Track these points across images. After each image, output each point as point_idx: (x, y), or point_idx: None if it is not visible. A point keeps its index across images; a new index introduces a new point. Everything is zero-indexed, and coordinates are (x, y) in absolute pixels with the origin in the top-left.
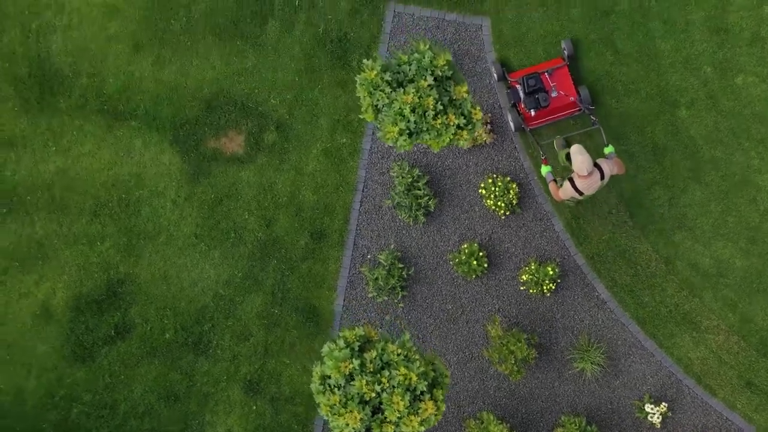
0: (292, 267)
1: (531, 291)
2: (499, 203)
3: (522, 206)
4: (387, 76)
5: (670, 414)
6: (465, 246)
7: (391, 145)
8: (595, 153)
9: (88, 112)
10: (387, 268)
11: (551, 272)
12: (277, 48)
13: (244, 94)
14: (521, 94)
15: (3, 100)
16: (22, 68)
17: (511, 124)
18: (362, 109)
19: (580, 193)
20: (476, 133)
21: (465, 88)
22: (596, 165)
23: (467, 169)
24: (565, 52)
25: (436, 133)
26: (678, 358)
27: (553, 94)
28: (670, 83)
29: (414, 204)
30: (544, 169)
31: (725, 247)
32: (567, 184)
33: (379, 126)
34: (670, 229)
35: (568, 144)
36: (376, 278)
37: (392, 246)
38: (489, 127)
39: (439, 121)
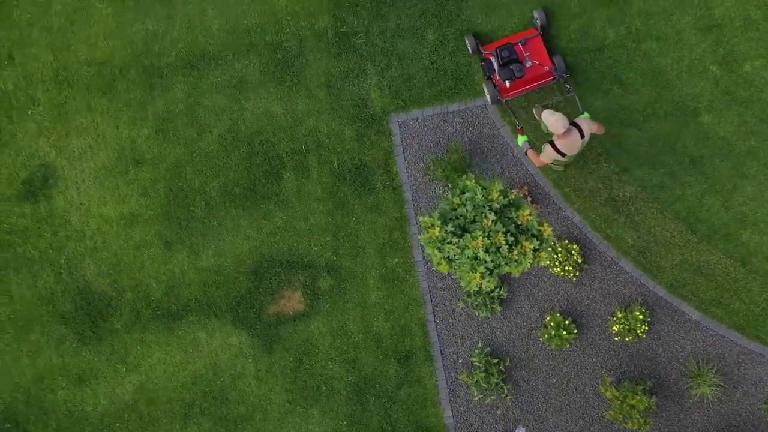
0: (391, 398)
1: (627, 339)
2: (566, 268)
3: (587, 261)
4: (450, 227)
5: None
6: (548, 319)
7: (476, 289)
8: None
9: (144, 323)
10: (483, 368)
11: (640, 315)
12: (300, 197)
13: (286, 252)
14: (495, 66)
15: (59, 341)
16: (66, 305)
17: (488, 96)
18: (434, 263)
19: (563, 155)
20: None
21: (527, 212)
22: (575, 124)
23: None
24: (538, 22)
25: (515, 264)
26: None
27: (528, 64)
28: (683, 94)
29: (486, 298)
30: (521, 139)
31: None
32: (548, 147)
33: (457, 273)
34: (734, 231)
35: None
36: (477, 381)
37: (479, 344)
38: (530, 199)
39: (515, 252)
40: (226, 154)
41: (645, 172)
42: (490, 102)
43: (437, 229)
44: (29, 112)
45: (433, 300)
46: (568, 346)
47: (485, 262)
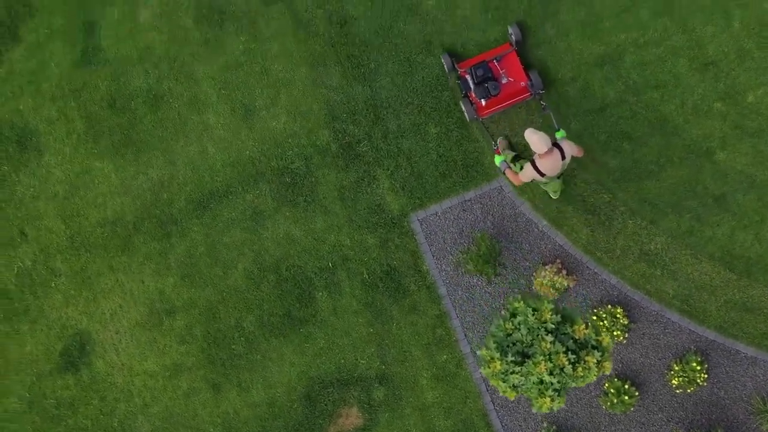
0: None
1: (689, 390)
2: (615, 333)
3: (633, 319)
4: (510, 357)
5: None
6: (607, 385)
7: (548, 412)
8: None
9: None
10: None
11: (697, 366)
12: (337, 314)
13: (334, 371)
14: (471, 84)
15: None
16: None
17: (466, 115)
18: (500, 391)
19: (542, 175)
20: (558, 284)
21: (583, 326)
22: (556, 145)
23: None
24: (513, 37)
25: (581, 379)
26: None
27: (503, 81)
28: (694, 136)
29: None
30: (498, 159)
31: None
32: (528, 166)
33: (527, 396)
34: None
35: (510, 144)
36: None
37: (544, 424)
38: (565, 272)
39: (579, 369)
40: (256, 286)
41: (672, 221)
42: (468, 120)
43: (498, 362)
44: (53, 284)
45: (489, 389)
46: (632, 409)
47: (552, 384)
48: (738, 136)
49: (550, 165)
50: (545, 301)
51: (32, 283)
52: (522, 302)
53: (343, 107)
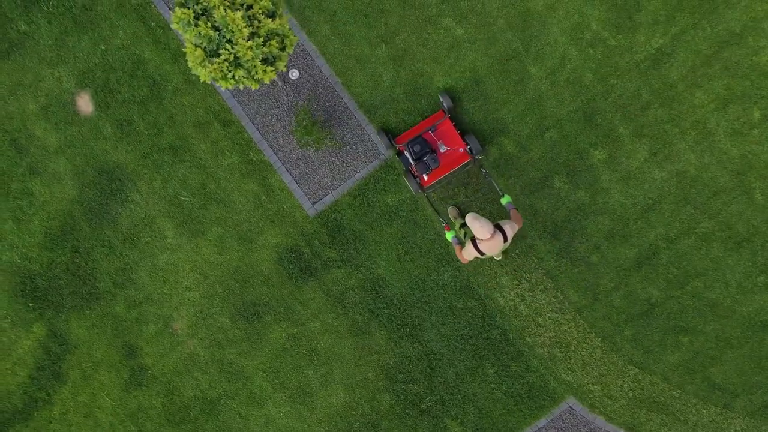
0: None
1: None
2: None
3: None
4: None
5: None
6: None
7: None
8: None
9: None
10: None
11: None
12: None
13: None
14: (411, 160)
15: None
16: None
17: (411, 188)
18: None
19: (482, 254)
20: None
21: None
22: (499, 227)
23: None
24: (445, 105)
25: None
26: None
27: (442, 150)
28: (746, 313)
29: None
30: (449, 235)
31: None
32: (469, 245)
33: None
34: None
35: (461, 212)
36: None
37: None
38: None
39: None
40: None
41: (745, 400)
42: (414, 193)
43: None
44: None
45: None
46: None
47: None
48: None
49: (492, 246)
50: None
51: None
52: None
53: (397, 368)
